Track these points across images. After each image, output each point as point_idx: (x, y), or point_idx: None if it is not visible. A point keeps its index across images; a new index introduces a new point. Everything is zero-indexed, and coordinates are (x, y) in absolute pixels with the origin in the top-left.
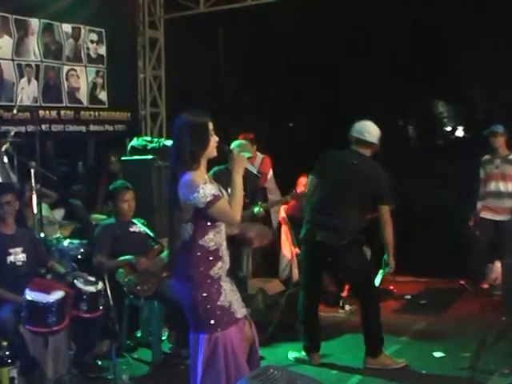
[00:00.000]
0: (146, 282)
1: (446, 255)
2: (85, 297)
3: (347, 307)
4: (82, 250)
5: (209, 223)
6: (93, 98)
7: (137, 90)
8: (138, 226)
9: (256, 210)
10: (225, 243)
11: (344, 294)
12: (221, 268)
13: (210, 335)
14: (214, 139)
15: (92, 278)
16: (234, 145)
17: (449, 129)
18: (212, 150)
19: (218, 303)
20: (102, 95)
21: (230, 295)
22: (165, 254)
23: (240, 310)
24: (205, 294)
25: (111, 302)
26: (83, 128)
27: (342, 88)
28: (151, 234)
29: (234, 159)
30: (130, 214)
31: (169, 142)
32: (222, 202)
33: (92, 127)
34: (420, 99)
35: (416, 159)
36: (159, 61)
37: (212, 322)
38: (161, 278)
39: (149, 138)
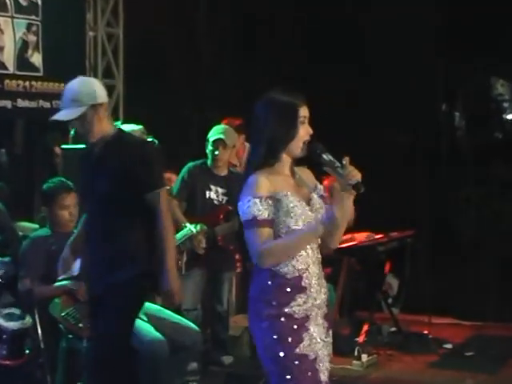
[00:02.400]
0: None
1: (502, 292)
2: (4, 336)
3: (364, 357)
4: (3, 272)
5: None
6: (22, 62)
7: (84, 54)
8: None
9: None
10: (315, 268)
11: (360, 339)
12: (305, 304)
13: None
14: (306, 131)
15: (16, 311)
16: (212, 132)
17: (511, 117)
18: (298, 145)
19: (297, 350)
20: (36, 59)
21: (319, 346)
22: None
23: (324, 374)
24: (275, 337)
25: (42, 344)
26: (8, 103)
27: (360, 61)
28: None
29: (344, 173)
30: (71, 224)
31: (127, 126)
32: (259, 232)
33: (21, 102)
34: (471, 74)
35: (464, 159)
36: (116, 14)
37: (288, 376)
38: None
39: None
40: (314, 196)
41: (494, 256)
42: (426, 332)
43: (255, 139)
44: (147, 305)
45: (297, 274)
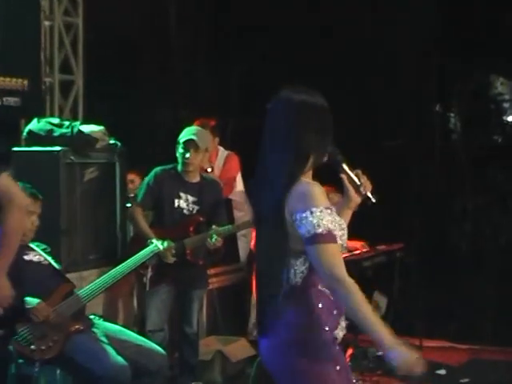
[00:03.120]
0: (45, 340)
1: (500, 312)
2: None
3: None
4: None
5: None
6: None
7: (39, 46)
8: (38, 254)
9: (212, 240)
10: None
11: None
12: (343, 329)
13: None
14: None
15: None
16: (183, 133)
17: (511, 119)
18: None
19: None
20: None
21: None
22: (78, 295)
23: None
24: (338, 368)
25: None
26: None
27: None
28: (56, 265)
29: (360, 183)
30: (29, 236)
31: (87, 127)
32: (335, 248)
33: None
34: (467, 72)
35: (460, 165)
36: (74, 1)
37: None
38: (68, 334)
39: (57, 120)
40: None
41: (493, 272)
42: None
43: (280, 145)
44: (108, 325)
45: None
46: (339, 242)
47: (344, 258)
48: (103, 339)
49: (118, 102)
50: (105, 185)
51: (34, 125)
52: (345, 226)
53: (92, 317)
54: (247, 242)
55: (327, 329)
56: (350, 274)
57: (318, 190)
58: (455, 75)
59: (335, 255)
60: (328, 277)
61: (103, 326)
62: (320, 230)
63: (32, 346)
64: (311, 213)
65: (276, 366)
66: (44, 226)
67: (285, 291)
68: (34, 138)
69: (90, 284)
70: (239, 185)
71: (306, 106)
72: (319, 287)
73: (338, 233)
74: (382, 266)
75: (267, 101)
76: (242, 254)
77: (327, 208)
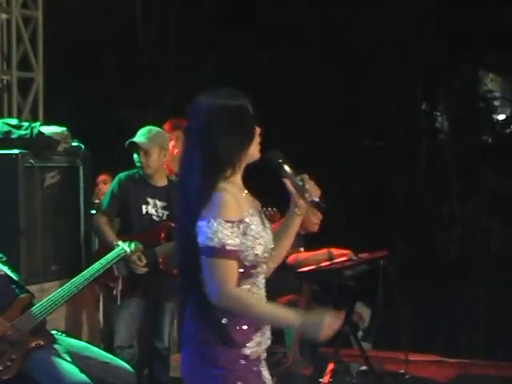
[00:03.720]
0: (2, 359)
1: (491, 324)
2: None
3: None
4: None
5: (242, 269)
6: None
7: None
8: None
9: None
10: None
11: (325, 380)
12: (259, 344)
13: None
14: (258, 133)
15: None
16: (139, 134)
17: (502, 117)
18: (255, 151)
19: None
20: None
21: None
22: (37, 307)
23: None
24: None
25: None
26: None
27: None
28: (14, 276)
29: (305, 189)
30: None
31: (47, 128)
32: (227, 264)
33: None
34: (454, 67)
35: (447, 167)
36: None
37: None
38: (27, 351)
39: (14, 121)
40: (263, 219)
41: (483, 281)
42: (402, 371)
43: (201, 150)
44: (71, 341)
45: None
46: (248, 256)
47: (325, 266)
48: (65, 356)
49: (81, 102)
50: (67, 190)
51: None
52: (267, 239)
53: (54, 332)
54: None
55: (232, 344)
56: (330, 285)
57: (228, 200)
58: (442, 72)
59: (227, 272)
60: (215, 293)
61: (66, 342)
62: (212, 244)
63: None
64: (208, 223)
65: (184, 375)
66: (1, 234)
67: (194, 304)
68: None
69: (50, 295)
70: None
71: (222, 109)
72: None
73: (242, 248)
74: (364, 275)
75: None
76: None
77: (229, 221)
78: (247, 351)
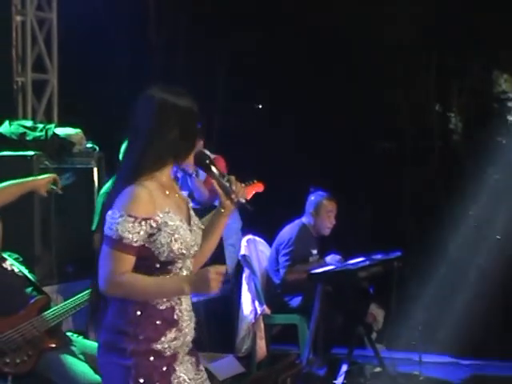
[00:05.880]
0: (20, 353)
1: (505, 325)
2: None
3: None
4: None
5: (158, 264)
6: None
7: (10, 42)
8: (10, 264)
9: None
10: (186, 299)
11: (338, 381)
12: (175, 340)
13: None
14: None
15: None
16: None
17: None
18: (189, 157)
19: None
20: None
21: None
22: (52, 310)
23: None
24: (142, 380)
25: None
26: None
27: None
28: (31, 277)
29: (232, 190)
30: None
31: (62, 130)
32: (119, 257)
33: None
34: (469, 69)
35: (461, 168)
36: None
37: None
38: (42, 350)
39: (29, 123)
40: (193, 214)
41: (498, 283)
42: (416, 372)
43: (137, 145)
44: (85, 342)
45: (169, 305)
46: (162, 252)
47: (338, 268)
48: (80, 357)
49: (96, 103)
50: (82, 191)
51: (6, 128)
52: (186, 237)
53: (69, 334)
54: (235, 251)
55: (141, 338)
56: (344, 286)
57: (139, 195)
58: (456, 73)
59: (118, 264)
60: (102, 281)
61: (80, 343)
62: (111, 234)
63: (6, 359)
64: (112, 213)
65: (97, 356)
66: (17, 235)
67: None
68: (5, 142)
69: (68, 300)
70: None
71: (165, 106)
72: None
73: (149, 244)
74: (379, 276)
75: (254, 98)
76: (230, 265)
77: (132, 216)
78: (158, 346)
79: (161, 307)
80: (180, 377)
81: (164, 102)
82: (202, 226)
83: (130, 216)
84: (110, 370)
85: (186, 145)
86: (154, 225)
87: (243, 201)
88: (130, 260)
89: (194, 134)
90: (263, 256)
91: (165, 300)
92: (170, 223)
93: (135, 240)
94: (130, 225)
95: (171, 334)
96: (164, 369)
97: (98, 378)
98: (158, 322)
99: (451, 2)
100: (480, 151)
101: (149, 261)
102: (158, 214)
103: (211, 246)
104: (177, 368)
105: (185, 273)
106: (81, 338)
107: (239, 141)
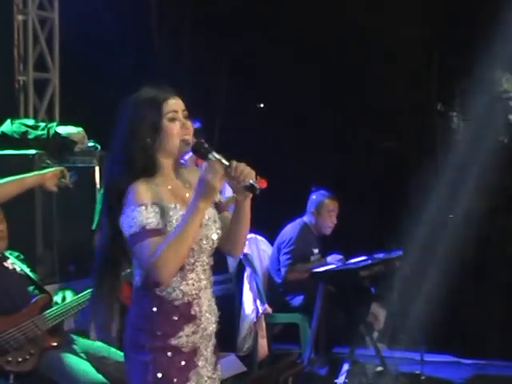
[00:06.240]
0: (22, 352)
1: (507, 324)
2: None
3: None
4: None
5: None
6: None
7: (11, 41)
8: (11, 263)
9: None
10: (206, 294)
11: (340, 380)
12: (193, 335)
13: None
14: (179, 127)
15: None
16: None
17: None
18: (173, 143)
19: None
20: None
21: None
22: (54, 309)
23: None
24: (160, 375)
25: None
26: None
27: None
28: (32, 275)
29: (234, 174)
30: (2, 244)
31: (64, 129)
32: (150, 243)
33: None
34: (471, 68)
35: (462, 168)
36: None
37: None
38: (44, 349)
39: (31, 122)
40: (210, 208)
41: (499, 282)
42: (418, 372)
43: (117, 146)
44: (87, 341)
45: (186, 301)
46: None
47: (341, 267)
48: (82, 356)
49: (98, 102)
50: (83, 190)
51: (8, 126)
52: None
53: (71, 332)
54: None
55: (159, 334)
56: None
57: (138, 188)
58: (458, 72)
59: (149, 249)
60: (152, 273)
61: (82, 343)
62: (133, 230)
63: (9, 358)
64: (125, 215)
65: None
66: (19, 234)
67: (133, 291)
68: (7, 141)
69: (70, 299)
70: (228, 192)
71: (131, 103)
72: (155, 291)
73: (162, 228)
74: (380, 275)
75: (255, 98)
76: (231, 264)
77: (142, 204)
78: (176, 341)
79: (176, 303)
80: (199, 373)
81: (133, 98)
82: (216, 219)
83: (140, 205)
84: (132, 366)
85: (151, 134)
86: (161, 211)
87: (250, 182)
88: (158, 241)
89: (155, 121)
90: (265, 255)
91: (181, 296)
92: (176, 216)
93: (156, 222)
94: (145, 212)
95: (189, 329)
96: (182, 363)
97: (99, 377)
98: (174, 318)
99: (453, 0)
100: (482, 150)
101: None
102: (164, 204)
103: (239, 232)
104: (198, 363)
105: (199, 268)
106: (81, 336)
107: (240, 140)
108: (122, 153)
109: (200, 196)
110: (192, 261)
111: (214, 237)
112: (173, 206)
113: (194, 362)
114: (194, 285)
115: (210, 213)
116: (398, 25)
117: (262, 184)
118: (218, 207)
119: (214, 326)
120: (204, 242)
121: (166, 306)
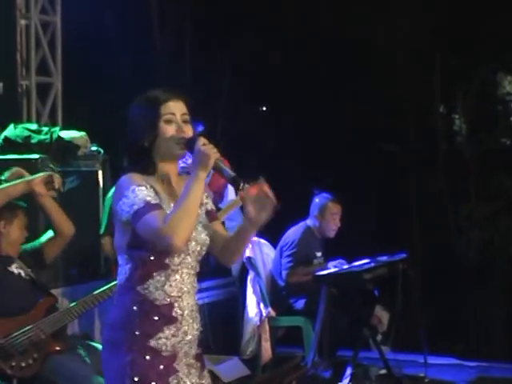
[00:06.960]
0: (25, 356)
1: (511, 327)
2: None
3: None
4: None
5: (152, 257)
6: None
7: (14, 46)
8: (16, 267)
9: None
10: (189, 298)
11: (344, 383)
12: (173, 337)
13: None
14: (174, 129)
15: None
16: None
17: None
18: (167, 145)
19: None
20: None
21: None
22: (60, 313)
23: None
24: (136, 379)
25: None
26: None
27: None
28: (36, 243)
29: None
30: (17, 247)
31: (67, 133)
32: (155, 214)
33: None
34: (473, 71)
35: (465, 170)
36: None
37: None
38: (47, 354)
39: (34, 126)
40: (201, 213)
41: (502, 284)
42: (421, 374)
43: (126, 148)
44: (91, 345)
45: (167, 302)
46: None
47: (344, 270)
48: (86, 360)
49: (100, 106)
50: (87, 194)
51: (11, 131)
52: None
53: (75, 337)
54: None
55: (138, 333)
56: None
57: (133, 175)
58: (460, 74)
59: (157, 219)
60: (164, 240)
61: (86, 346)
62: (136, 208)
63: (12, 363)
64: (125, 198)
65: (104, 370)
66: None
67: (116, 290)
68: (10, 146)
69: (74, 303)
70: (230, 193)
71: (134, 105)
72: (137, 289)
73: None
74: (384, 278)
75: (257, 101)
76: (234, 267)
77: (140, 185)
78: (154, 342)
79: (158, 303)
80: (181, 378)
81: (137, 99)
82: (207, 224)
83: (139, 186)
84: (109, 368)
85: (145, 133)
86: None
87: (232, 175)
88: (163, 213)
89: (151, 120)
90: (268, 258)
91: (163, 297)
92: (164, 206)
93: (156, 199)
94: (145, 191)
95: (169, 331)
96: (161, 368)
97: (102, 381)
98: (154, 318)
99: (456, 3)
100: (484, 152)
101: (143, 251)
102: (159, 198)
103: (240, 250)
104: (178, 369)
105: (185, 270)
106: (85, 339)
107: (243, 143)
108: (125, 150)
109: (197, 165)
110: (177, 261)
111: (202, 241)
112: (165, 204)
113: (173, 367)
114: (177, 286)
115: (201, 217)
116: (400, 26)
117: (252, 191)
118: (209, 215)
119: (196, 333)
120: (192, 244)
121: (147, 305)
